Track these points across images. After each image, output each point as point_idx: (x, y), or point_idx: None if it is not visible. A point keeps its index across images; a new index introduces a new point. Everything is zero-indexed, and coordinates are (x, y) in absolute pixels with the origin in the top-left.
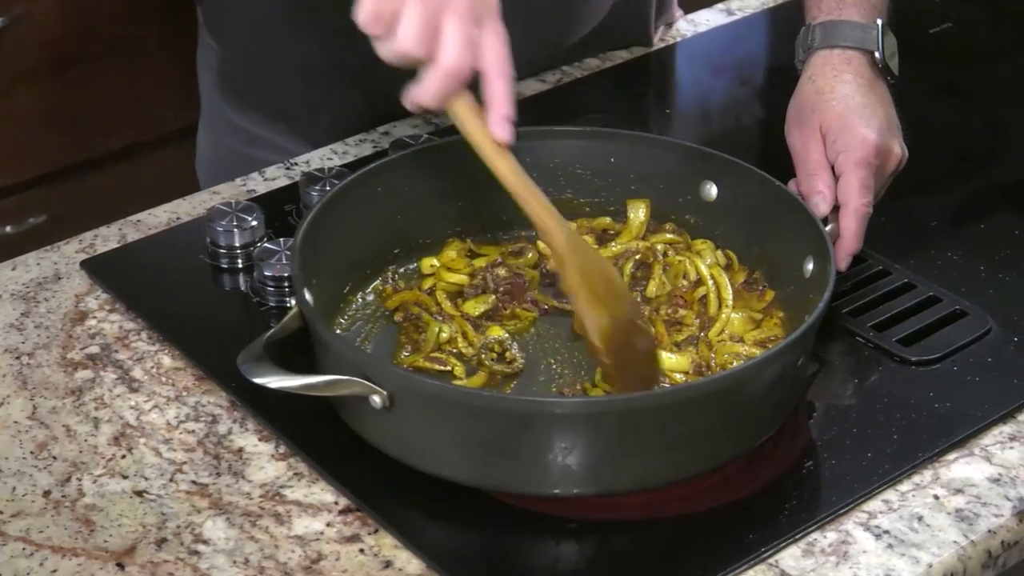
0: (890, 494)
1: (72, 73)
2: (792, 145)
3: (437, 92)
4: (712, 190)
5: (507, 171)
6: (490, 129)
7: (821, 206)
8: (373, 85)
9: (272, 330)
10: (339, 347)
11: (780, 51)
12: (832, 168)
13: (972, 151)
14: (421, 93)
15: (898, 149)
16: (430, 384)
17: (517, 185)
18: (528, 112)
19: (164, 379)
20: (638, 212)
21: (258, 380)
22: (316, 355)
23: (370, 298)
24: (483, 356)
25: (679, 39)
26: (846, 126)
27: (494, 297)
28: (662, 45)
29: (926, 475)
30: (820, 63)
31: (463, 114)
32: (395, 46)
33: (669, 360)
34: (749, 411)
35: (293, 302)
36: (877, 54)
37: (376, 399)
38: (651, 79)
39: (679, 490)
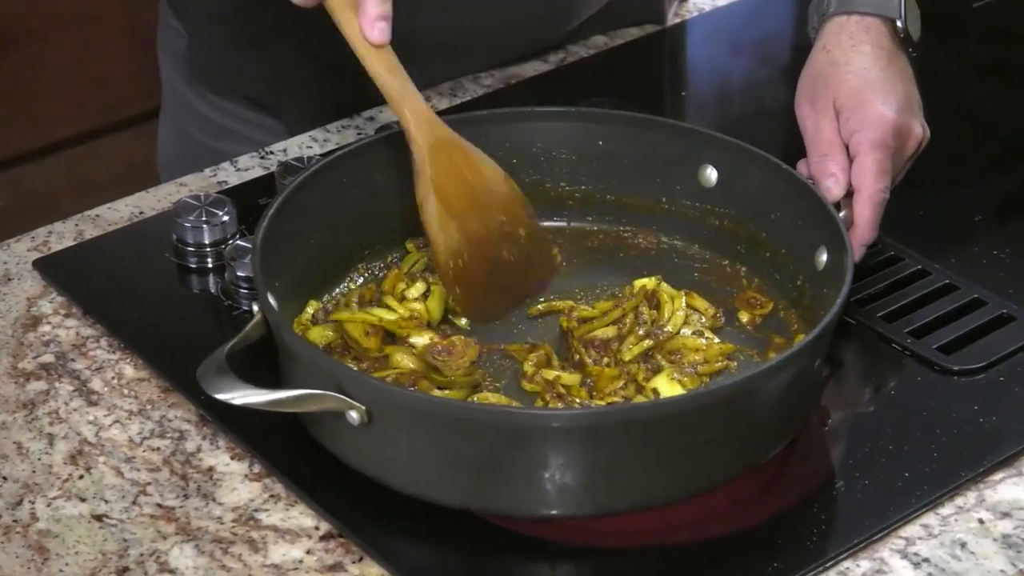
0: (930, 518)
1: (23, 53)
2: (802, 122)
3: None
4: (712, 175)
5: (380, 72)
6: (360, 29)
7: (834, 190)
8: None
9: (234, 339)
10: (310, 357)
11: (805, 28)
12: (846, 148)
13: (1018, 137)
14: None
15: (918, 129)
16: (414, 396)
17: (388, 87)
18: (526, 95)
19: (126, 391)
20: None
21: (221, 396)
22: (283, 366)
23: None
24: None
25: (695, 14)
26: (862, 102)
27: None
28: (676, 21)
29: (970, 497)
30: (835, 31)
31: (338, 11)
32: None
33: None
34: (759, 421)
35: (256, 307)
36: (899, 23)
37: (353, 415)
38: (664, 59)
39: (692, 514)
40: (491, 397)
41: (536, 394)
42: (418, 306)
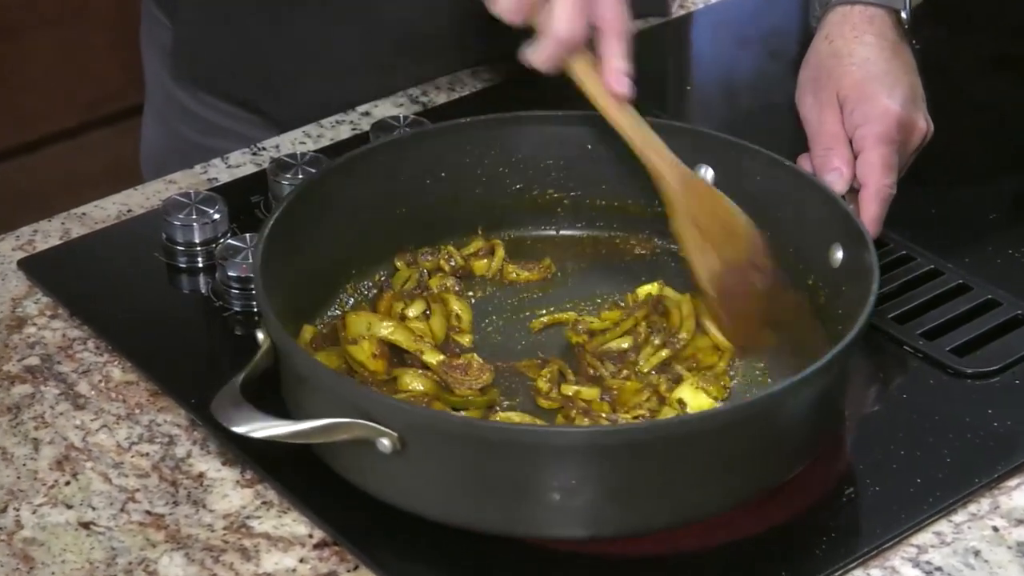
0: (942, 525)
1: (5, 46)
2: (804, 114)
3: (549, 59)
4: (707, 174)
5: (625, 124)
6: (605, 85)
7: (837, 184)
8: (352, 61)
9: (246, 369)
10: (332, 384)
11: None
12: (850, 142)
13: None
14: (535, 58)
15: (923, 123)
16: (453, 419)
17: (634, 137)
18: (526, 90)
19: (114, 395)
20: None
21: (239, 429)
22: (295, 394)
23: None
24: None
25: (700, 6)
26: (866, 95)
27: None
28: (681, 13)
29: (983, 504)
30: (838, 21)
31: (580, 71)
32: (501, 10)
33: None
34: (784, 439)
35: (261, 336)
36: (904, 13)
37: (384, 442)
38: (668, 53)
39: (698, 522)
40: (515, 416)
41: (555, 411)
42: (421, 325)
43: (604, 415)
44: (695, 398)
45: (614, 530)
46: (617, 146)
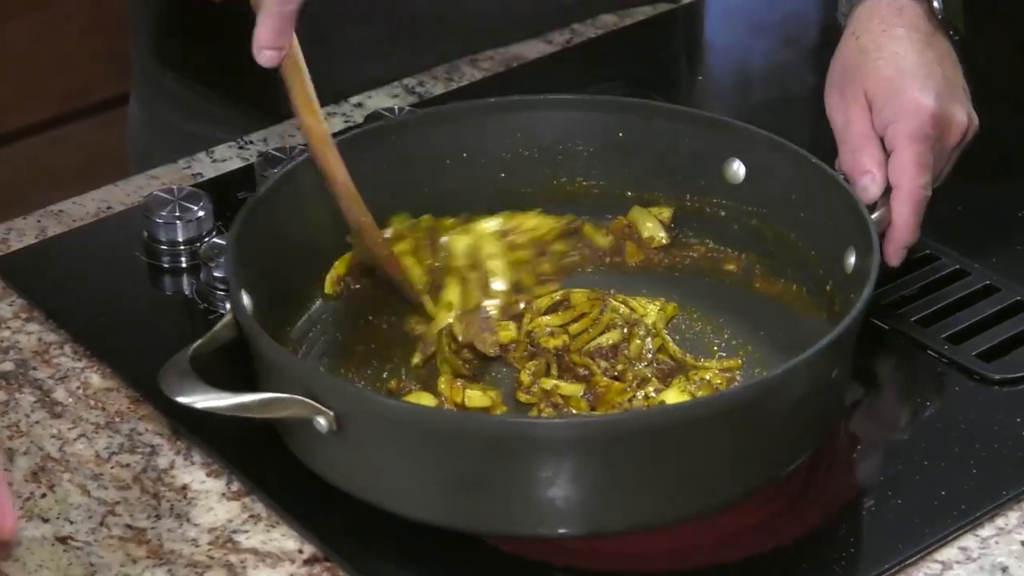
0: (968, 540)
1: None
2: (831, 115)
3: (273, 35)
4: (739, 170)
5: (317, 142)
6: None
7: (871, 188)
8: (341, 47)
9: (201, 340)
10: (276, 358)
11: (836, 5)
12: (881, 142)
13: None
14: (257, 41)
15: (962, 117)
16: (385, 404)
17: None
18: (529, 79)
19: (92, 402)
20: (647, 224)
21: (181, 399)
22: (257, 370)
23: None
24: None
25: None
26: (896, 91)
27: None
28: None
29: (1011, 517)
30: (866, 16)
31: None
32: None
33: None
34: (772, 434)
35: (228, 305)
36: (936, 2)
37: (320, 421)
38: (679, 40)
39: (706, 535)
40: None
41: (532, 405)
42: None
43: (576, 412)
44: (679, 400)
45: (576, 529)
46: (648, 134)
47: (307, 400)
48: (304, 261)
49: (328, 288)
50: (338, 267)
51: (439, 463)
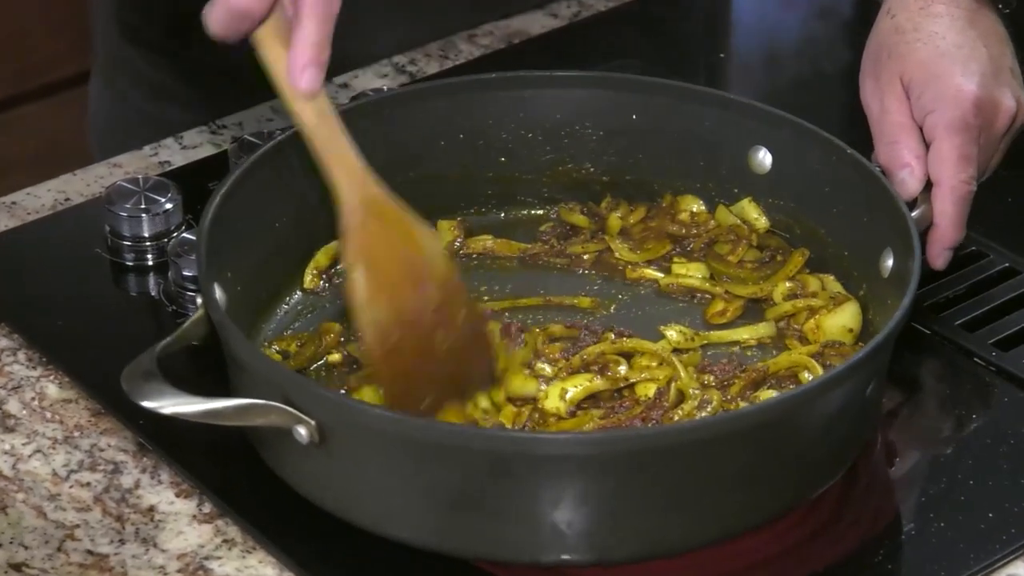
0: (1018, 567)
1: None
2: (867, 102)
3: (221, 25)
4: (766, 159)
5: (308, 121)
6: (288, 75)
7: (909, 183)
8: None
9: (168, 338)
10: (252, 360)
11: None
12: (921, 132)
13: None
14: (209, 20)
15: (1010, 101)
16: (373, 413)
17: (314, 135)
18: (533, 56)
19: (49, 415)
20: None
21: (147, 403)
22: (231, 374)
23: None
24: None
25: None
26: (934, 76)
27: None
28: None
29: None
30: None
31: (266, 51)
32: None
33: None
34: (796, 456)
35: (200, 301)
36: None
37: (301, 431)
38: (699, 13)
39: (731, 562)
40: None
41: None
42: None
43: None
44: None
45: (581, 556)
46: (665, 117)
47: (286, 408)
48: (283, 252)
49: (308, 283)
50: (319, 259)
51: (431, 481)
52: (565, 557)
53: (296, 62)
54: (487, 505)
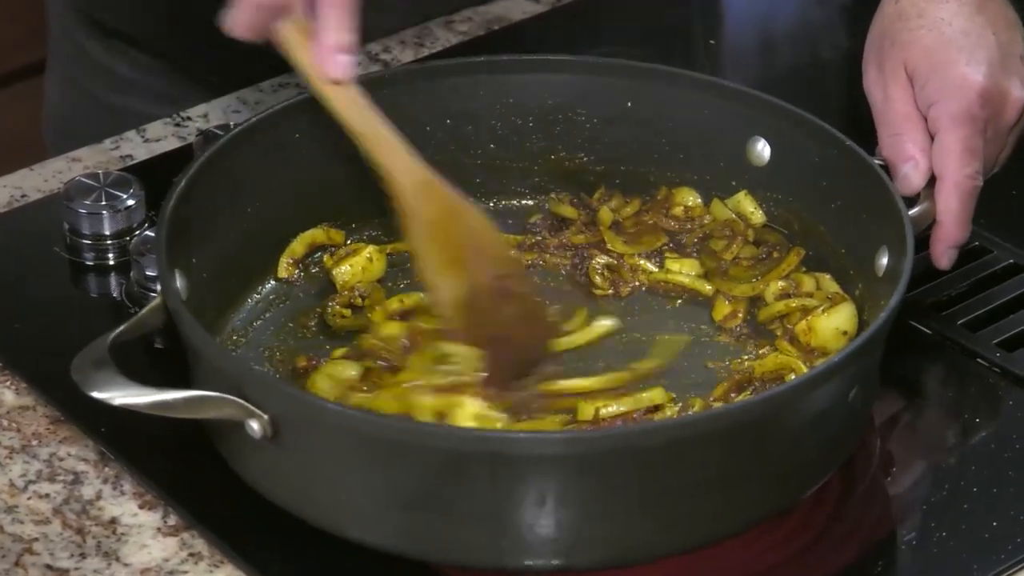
0: None
1: None
2: (871, 91)
3: (247, 26)
4: (764, 150)
5: (346, 111)
6: (316, 64)
7: (913, 177)
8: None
9: (123, 326)
10: (203, 349)
11: None
12: (926, 123)
13: None
14: (231, 24)
15: (1018, 91)
16: (327, 408)
17: (357, 126)
18: (515, 43)
19: (5, 422)
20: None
21: (96, 394)
22: (189, 365)
23: (272, 284)
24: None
25: None
26: (938, 64)
27: None
28: None
29: None
30: None
31: (290, 41)
32: None
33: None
34: (773, 460)
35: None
36: None
37: (254, 425)
38: None
39: (724, 571)
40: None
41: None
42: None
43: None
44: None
45: (547, 561)
46: (661, 106)
47: (238, 400)
48: (255, 240)
49: (282, 271)
50: (295, 247)
51: (389, 479)
52: (529, 562)
53: (323, 50)
54: (447, 506)
